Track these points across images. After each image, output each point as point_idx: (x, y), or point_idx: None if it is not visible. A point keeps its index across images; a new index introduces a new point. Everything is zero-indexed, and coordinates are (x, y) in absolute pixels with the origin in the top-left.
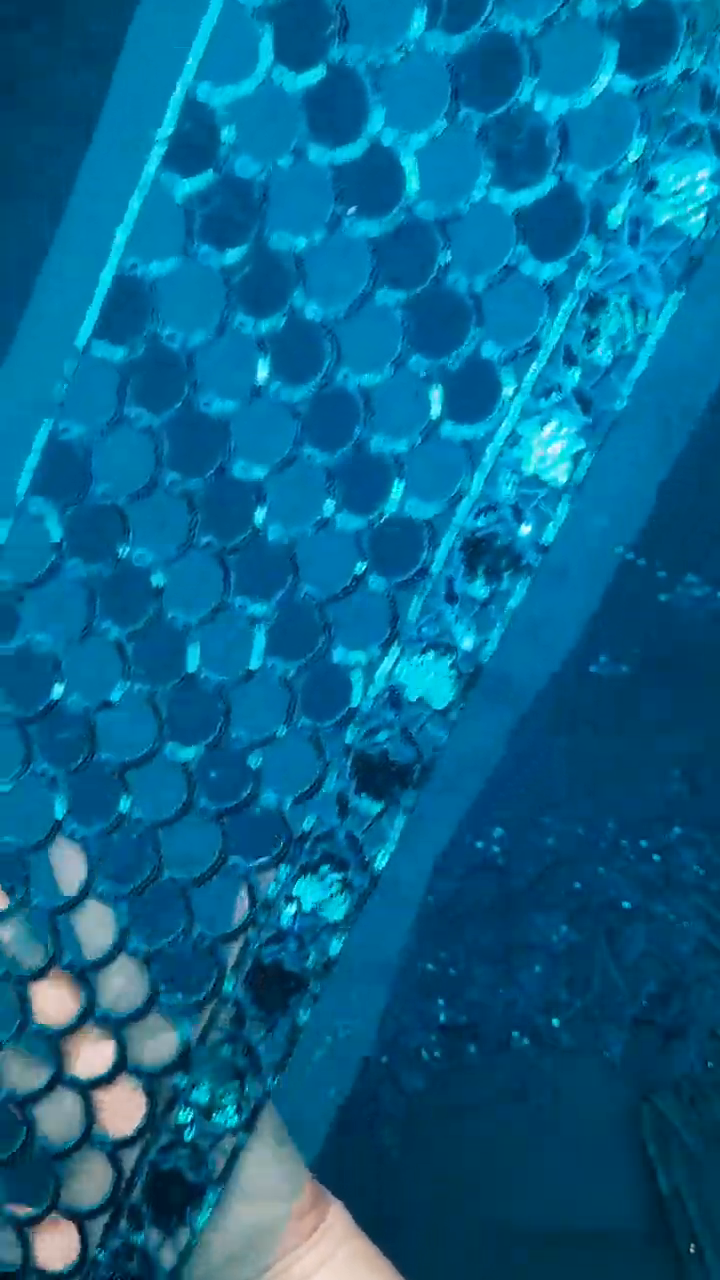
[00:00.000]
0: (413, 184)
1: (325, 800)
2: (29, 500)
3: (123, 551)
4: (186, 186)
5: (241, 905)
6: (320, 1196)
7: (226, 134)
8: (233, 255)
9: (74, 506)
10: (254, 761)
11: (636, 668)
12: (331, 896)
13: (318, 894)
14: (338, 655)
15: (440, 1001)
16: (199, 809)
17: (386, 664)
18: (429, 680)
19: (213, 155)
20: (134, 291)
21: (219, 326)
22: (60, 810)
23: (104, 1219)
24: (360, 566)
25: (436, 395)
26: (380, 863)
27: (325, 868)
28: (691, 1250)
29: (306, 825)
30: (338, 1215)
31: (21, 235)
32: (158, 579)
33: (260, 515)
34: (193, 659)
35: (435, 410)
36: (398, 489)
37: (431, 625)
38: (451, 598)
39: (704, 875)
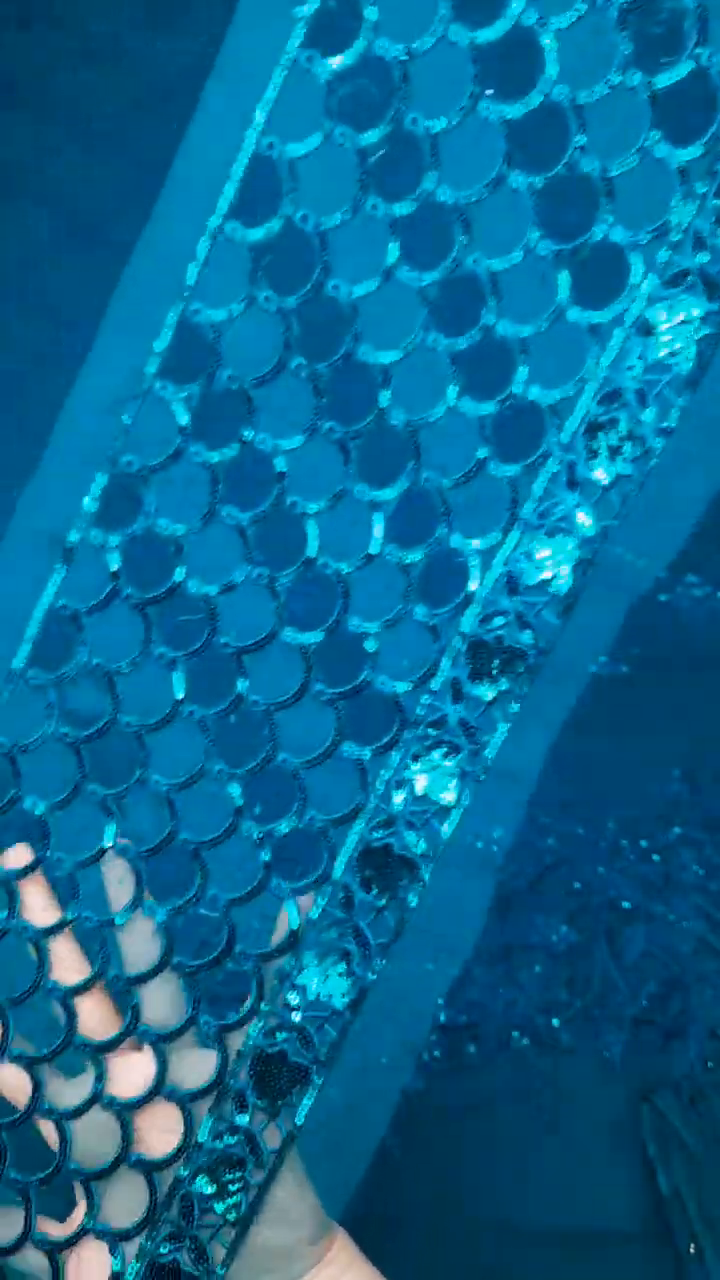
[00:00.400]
0: (551, 66)
1: (440, 685)
2: (156, 383)
3: (247, 435)
4: (327, 65)
5: (353, 791)
6: (330, 1226)
7: (369, 12)
8: (370, 136)
9: (201, 390)
10: (370, 646)
11: (636, 668)
12: (443, 781)
13: (430, 779)
14: (456, 541)
15: (440, 1001)
16: (314, 693)
17: (505, 550)
18: (548, 565)
19: (354, 35)
20: (270, 172)
21: (352, 208)
22: (179, 691)
23: (208, 1102)
24: (482, 452)
25: (564, 280)
26: (492, 749)
27: (437, 753)
28: (691, 1250)
29: (420, 710)
30: (344, 1243)
31: (21, 235)
32: (280, 464)
33: (384, 399)
34: (312, 544)
35: (562, 295)
36: (522, 374)
37: (552, 511)
38: (573, 483)
39: (704, 875)
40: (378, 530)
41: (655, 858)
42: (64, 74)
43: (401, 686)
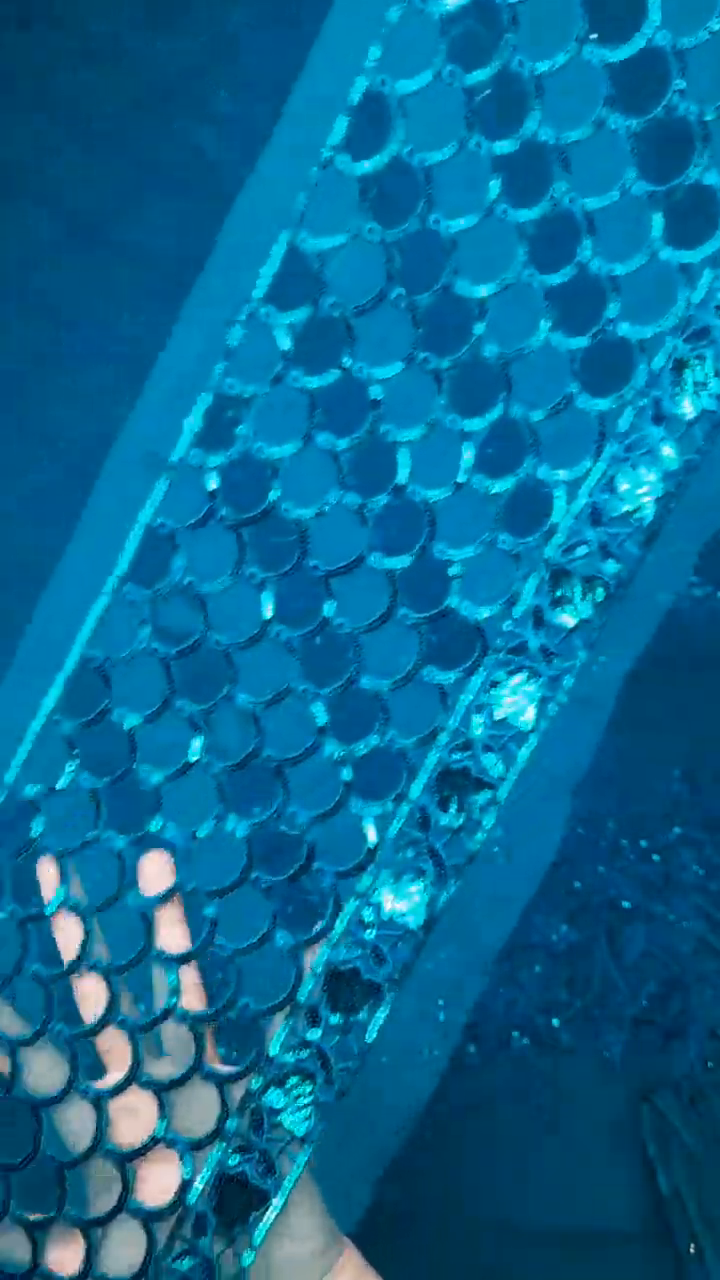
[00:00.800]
0: (654, 13)
1: (521, 613)
2: (262, 308)
3: (346, 363)
4: (441, 5)
5: (433, 714)
6: (339, 1239)
7: None
8: (477, 76)
9: (304, 317)
10: (454, 572)
11: (637, 666)
12: (522, 706)
13: (509, 704)
14: (543, 472)
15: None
16: (398, 617)
17: (590, 481)
18: (632, 497)
19: None
20: (381, 108)
21: (458, 145)
22: (268, 611)
23: (282, 1016)
24: (572, 386)
25: (657, 220)
26: (571, 676)
27: (517, 678)
28: (691, 1250)
29: (501, 637)
30: (351, 1255)
31: (22, 235)
32: (376, 392)
33: (479, 330)
34: (403, 471)
35: (655, 234)
36: (614, 310)
37: (638, 444)
38: (658, 418)
39: (704, 875)
40: (467, 459)
41: (655, 858)
42: (64, 74)
43: (484, 612)
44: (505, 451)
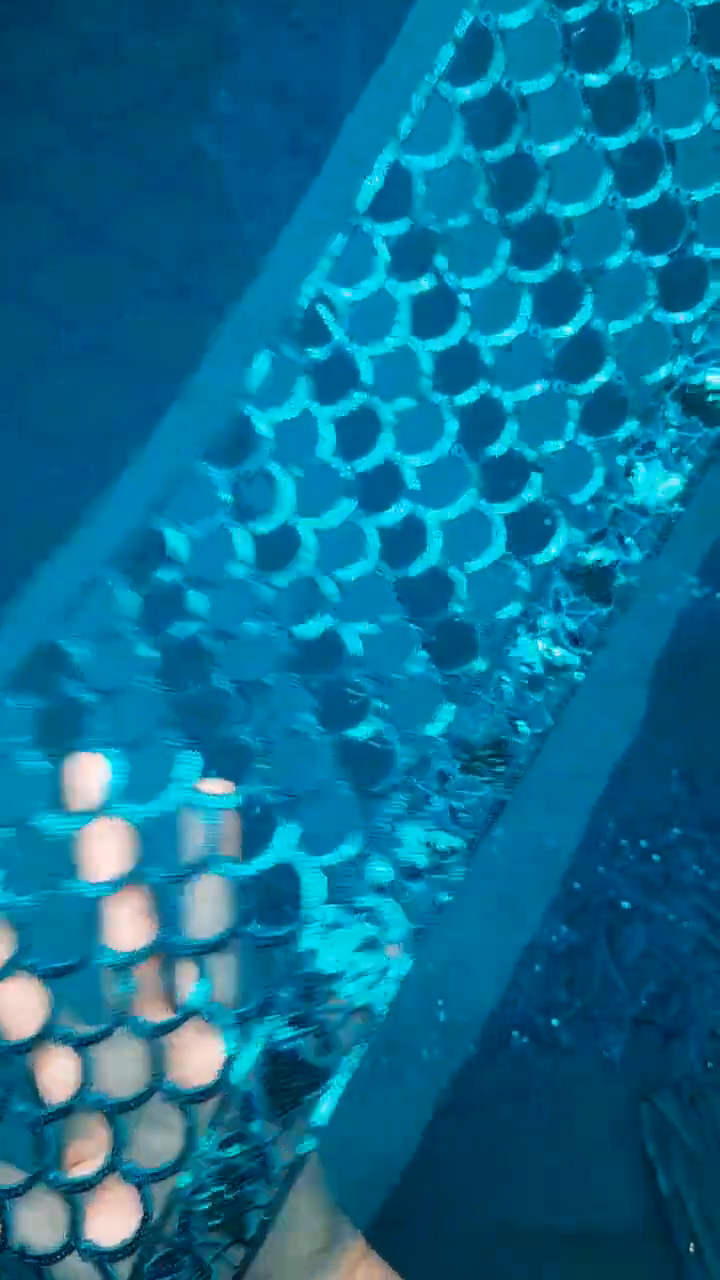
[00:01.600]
0: None
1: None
2: (364, 220)
3: (440, 267)
4: None
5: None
6: (351, 1236)
7: None
8: (574, 14)
9: (400, 231)
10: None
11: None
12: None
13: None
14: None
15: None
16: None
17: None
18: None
19: None
20: (484, 40)
21: (554, 78)
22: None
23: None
24: (649, 304)
25: None
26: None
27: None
28: (691, 1250)
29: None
30: (366, 1252)
31: (22, 235)
32: (465, 300)
33: (565, 243)
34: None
35: None
36: (690, 228)
37: (710, 356)
38: None
39: (704, 875)
40: (548, 364)
41: (655, 858)
42: (64, 74)
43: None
44: (586, 357)
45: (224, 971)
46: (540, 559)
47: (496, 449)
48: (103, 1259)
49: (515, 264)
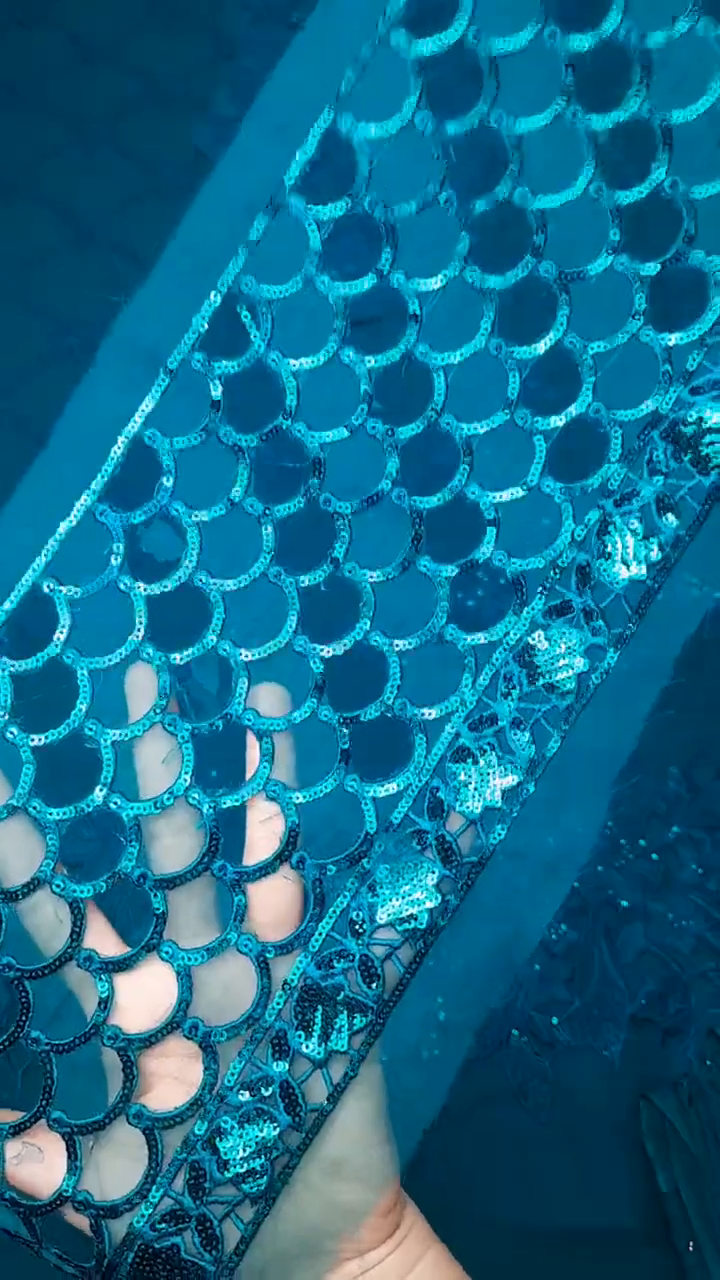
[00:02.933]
0: None
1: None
2: (292, 199)
3: (384, 269)
4: None
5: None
6: (401, 1197)
7: None
8: None
9: (340, 212)
10: (489, 516)
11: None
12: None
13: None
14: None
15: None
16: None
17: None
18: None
19: None
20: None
21: (532, 36)
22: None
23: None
24: (637, 322)
25: None
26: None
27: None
28: (690, 1249)
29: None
30: (415, 1218)
31: (22, 235)
32: (414, 306)
33: (539, 241)
34: (439, 397)
35: None
36: (690, 228)
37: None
38: None
39: (702, 874)
40: (512, 390)
41: (654, 856)
42: (64, 74)
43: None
44: (561, 383)
45: (258, 896)
46: (488, 637)
47: (443, 495)
48: (99, 1212)
49: (475, 264)
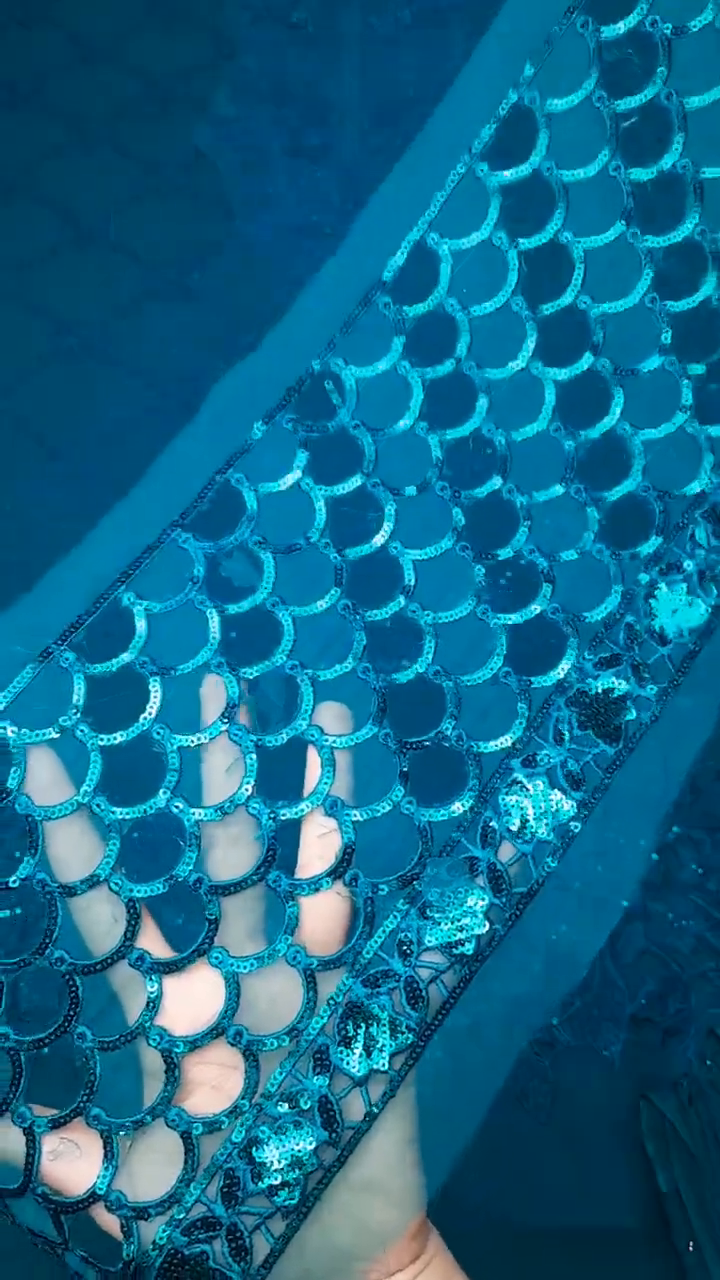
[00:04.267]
0: None
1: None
2: (383, 297)
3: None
4: (606, 31)
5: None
6: (426, 1223)
7: None
8: (628, 103)
9: (421, 311)
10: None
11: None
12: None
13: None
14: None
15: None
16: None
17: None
18: None
19: None
20: (529, 121)
21: (600, 170)
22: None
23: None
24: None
25: None
26: None
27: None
28: (690, 1248)
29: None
30: (439, 1246)
31: (21, 235)
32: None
33: (596, 340)
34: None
35: None
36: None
37: None
38: None
39: (702, 874)
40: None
41: (654, 856)
42: (64, 74)
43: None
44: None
45: (311, 907)
46: (543, 680)
47: (505, 552)
48: (132, 1213)
49: (541, 358)
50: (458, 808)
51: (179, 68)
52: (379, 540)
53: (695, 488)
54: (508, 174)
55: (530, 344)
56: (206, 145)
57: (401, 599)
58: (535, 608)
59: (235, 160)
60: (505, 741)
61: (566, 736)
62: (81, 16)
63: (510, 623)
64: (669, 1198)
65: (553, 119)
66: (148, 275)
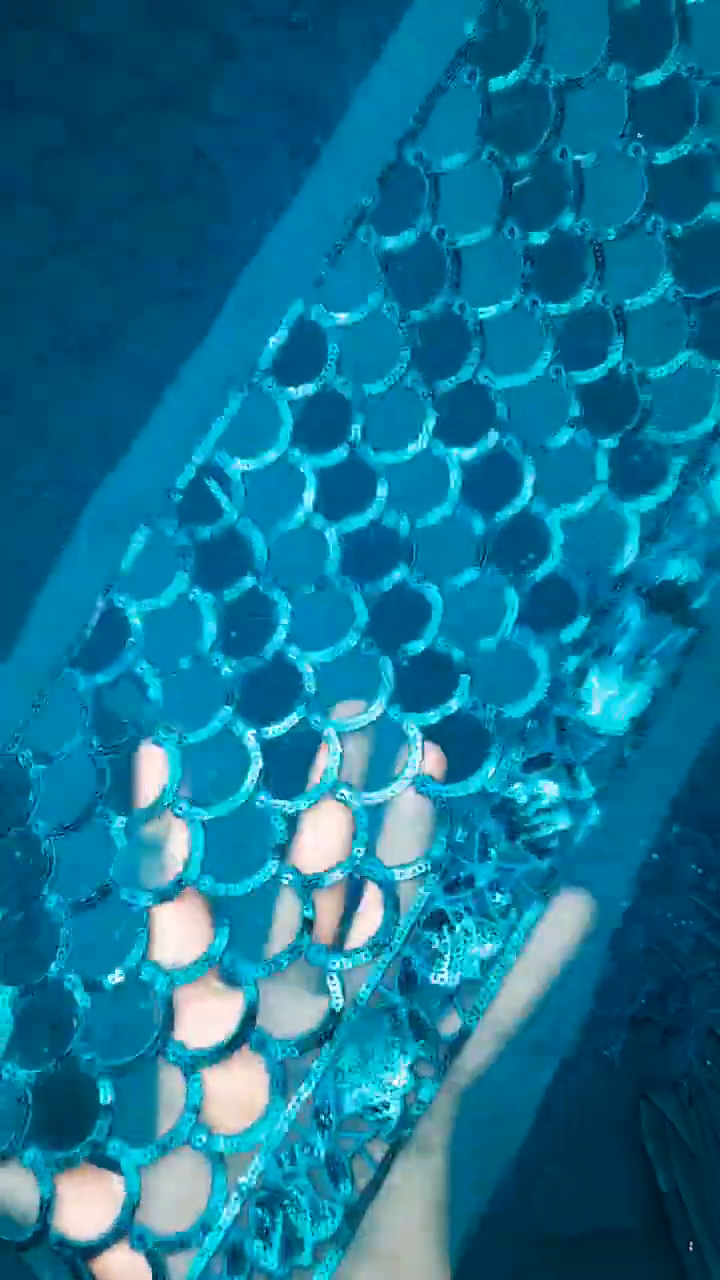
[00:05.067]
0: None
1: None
2: (266, 380)
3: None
4: (494, 84)
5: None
6: None
7: None
8: (521, 161)
9: (309, 394)
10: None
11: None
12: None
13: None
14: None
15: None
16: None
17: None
18: None
19: None
20: (414, 182)
21: (493, 233)
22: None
23: None
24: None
25: None
26: None
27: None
28: (690, 1249)
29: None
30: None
31: (22, 236)
32: (382, 485)
33: (500, 417)
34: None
35: None
36: (646, 404)
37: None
38: None
39: (702, 874)
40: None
41: (654, 856)
42: (64, 74)
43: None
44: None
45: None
46: (462, 790)
47: (414, 646)
48: (157, 1250)
49: (442, 437)
50: (365, 957)
51: (179, 68)
52: (273, 648)
53: (621, 565)
54: (392, 241)
55: (429, 424)
56: (206, 145)
57: (301, 709)
58: (453, 704)
59: (235, 160)
60: (425, 864)
61: (493, 853)
62: (81, 16)
63: (426, 724)
64: (669, 1198)
65: (440, 179)
66: (148, 275)
